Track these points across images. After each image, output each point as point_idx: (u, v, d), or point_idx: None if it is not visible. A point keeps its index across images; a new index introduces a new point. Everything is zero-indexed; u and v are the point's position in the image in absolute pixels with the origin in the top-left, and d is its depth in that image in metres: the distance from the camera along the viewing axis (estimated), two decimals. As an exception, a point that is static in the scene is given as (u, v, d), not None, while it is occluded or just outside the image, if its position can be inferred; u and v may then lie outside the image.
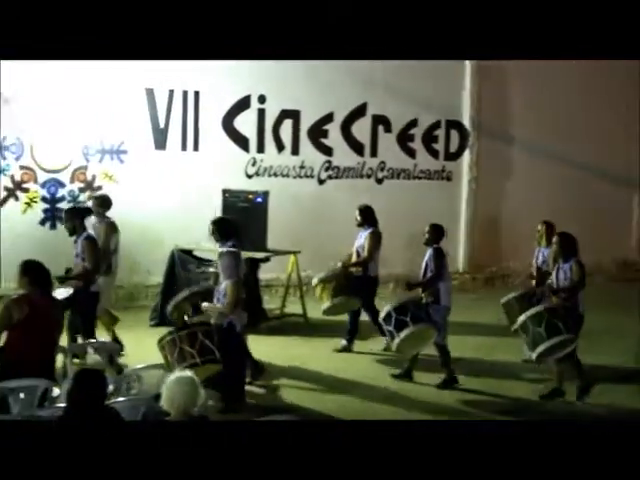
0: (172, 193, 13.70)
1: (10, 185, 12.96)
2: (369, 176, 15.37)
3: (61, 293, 9.36)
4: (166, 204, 13.58)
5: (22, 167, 13.02)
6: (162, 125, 13.77)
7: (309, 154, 14.86)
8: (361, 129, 15.23)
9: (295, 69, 14.28)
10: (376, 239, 11.46)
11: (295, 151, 14.76)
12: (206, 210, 13.27)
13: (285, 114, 14.60)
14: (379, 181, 15.46)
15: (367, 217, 11.58)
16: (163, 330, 12.02)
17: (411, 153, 15.71)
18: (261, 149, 14.50)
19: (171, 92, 13.79)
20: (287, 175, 14.71)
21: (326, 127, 14.94)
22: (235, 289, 8.91)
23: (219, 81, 13.98)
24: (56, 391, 7.13)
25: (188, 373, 5.69)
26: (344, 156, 15.12)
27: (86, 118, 13.17)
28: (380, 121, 15.35)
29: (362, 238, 11.49)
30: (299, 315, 12.94)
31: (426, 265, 10.14)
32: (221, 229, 9.70)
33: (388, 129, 15.43)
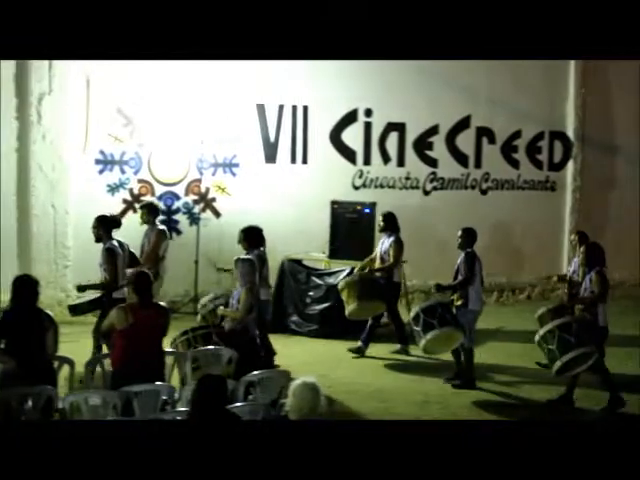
0: (282, 205, 14.11)
1: (129, 198, 13.60)
2: (473, 187, 15.55)
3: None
4: (276, 215, 13.99)
5: (140, 180, 13.66)
6: (272, 139, 14.24)
7: (414, 166, 15.11)
8: (465, 141, 15.41)
9: (401, 83, 14.62)
10: (401, 246, 11.79)
11: (401, 163, 15.04)
12: (315, 221, 13.79)
13: (391, 127, 14.90)
14: (483, 192, 15.62)
15: (390, 223, 11.89)
16: (273, 337, 12.59)
17: (515, 164, 15.81)
18: (368, 161, 14.84)
19: (281, 107, 14.25)
20: (393, 186, 14.99)
21: (431, 139, 15.17)
22: (249, 295, 9.21)
23: (327, 95, 14.36)
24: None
25: (312, 379, 5.78)
26: (449, 167, 15.33)
27: (200, 133, 13.73)
28: (484, 133, 15.50)
29: (386, 244, 11.81)
30: (406, 323, 13.15)
31: (457, 268, 10.34)
32: (248, 237, 10.13)
33: (492, 140, 15.57)
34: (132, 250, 10.82)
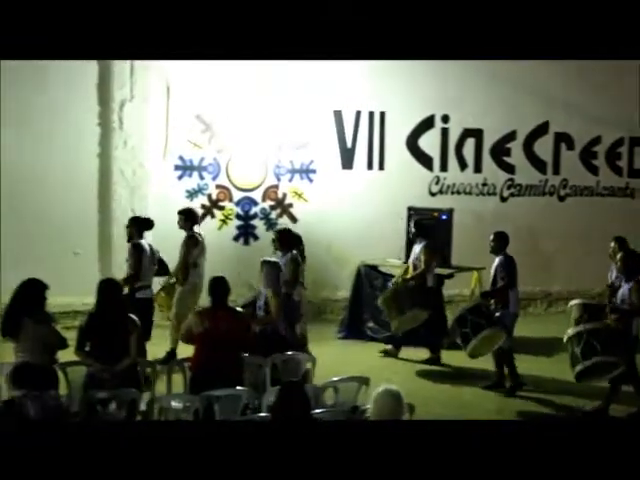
0: (358, 211, 14.14)
1: (207, 203, 13.76)
2: (551, 194, 15.40)
3: None
4: (353, 221, 14.04)
5: (218, 186, 13.80)
6: (349, 145, 14.28)
7: (492, 172, 15.03)
8: (543, 147, 15.27)
9: (478, 89, 14.56)
10: (431, 251, 11.75)
11: (478, 169, 14.97)
12: (391, 227, 13.78)
13: (468, 133, 14.84)
14: (561, 198, 15.45)
15: (421, 230, 11.88)
16: (350, 343, 12.63)
17: (594, 170, 15.62)
18: (444, 167, 14.79)
19: (358, 113, 14.27)
20: (470, 193, 14.93)
21: (509, 145, 15.08)
22: (276, 298, 9.23)
23: (404, 102, 14.36)
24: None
25: (394, 386, 5.76)
26: (526, 174, 15.21)
27: (277, 139, 13.84)
28: (562, 139, 15.34)
29: (417, 251, 11.80)
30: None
31: (495, 273, 10.35)
32: (281, 239, 10.11)
33: (571, 146, 15.41)
34: (163, 258, 11.01)
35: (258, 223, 13.98)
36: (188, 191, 13.65)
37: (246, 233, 13.91)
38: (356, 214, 14.13)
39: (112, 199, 13.23)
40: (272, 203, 14.01)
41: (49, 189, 12.68)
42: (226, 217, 13.85)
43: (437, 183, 14.75)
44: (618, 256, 9.72)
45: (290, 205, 14.05)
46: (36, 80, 12.70)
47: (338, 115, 14.17)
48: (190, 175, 13.65)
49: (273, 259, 9.84)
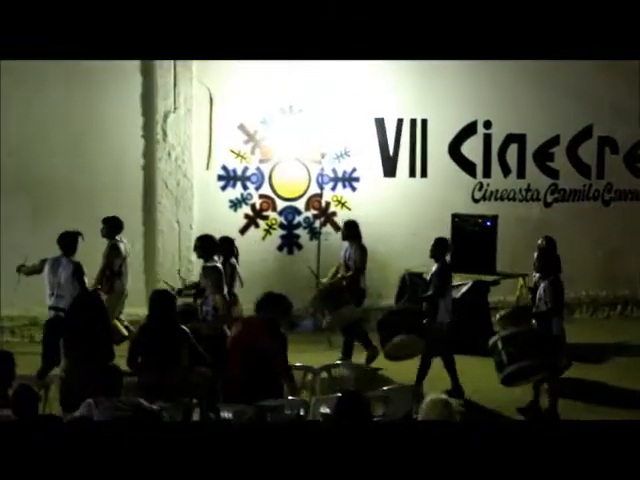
0: (402, 218, 14.11)
1: (251, 213, 13.80)
2: (595, 198, 15.26)
3: None
4: (396, 229, 14.02)
5: (262, 196, 13.84)
6: (391, 153, 14.26)
7: (535, 177, 14.91)
8: (587, 151, 15.14)
9: (520, 93, 14.48)
10: (364, 251, 11.86)
11: (521, 174, 14.87)
12: (435, 234, 13.69)
13: (511, 138, 14.74)
14: (606, 203, 15.31)
15: (351, 230, 11.98)
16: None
17: (638, 174, 15.47)
18: (487, 173, 14.71)
19: (400, 120, 14.25)
20: (513, 199, 14.83)
21: (552, 150, 14.97)
22: (224, 300, 9.27)
23: (446, 108, 14.31)
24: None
25: (443, 395, 5.81)
26: (570, 178, 15.07)
27: (320, 148, 13.86)
28: (606, 142, 15.20)
29: (350, 251, 11.89)
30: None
31: (430, 279, 10.47)
32: (205, 246, 10.06)
33: (615, 150, 15.26)
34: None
35: (302, 232, 13.99)
36: (232, 201, 13.71)
37: (290, 243, 13.93)
38: (399, 222, 14.10)
39: (157, 210, 13.32)
40: (315, 212, 14.02)
41: (95, 202, 12.78)
42: (270, 227, 13.89)
43: (480, 189, 14.68)
44: (535, 255, 9.63)
45: (333, 214, 14.05)
46: (81, 93, 12.87)
47: (380, 123, 14.16)
48: (234, 185, 13.70)
49: (213, 264, 9.79)
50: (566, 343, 9.47)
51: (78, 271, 9.80)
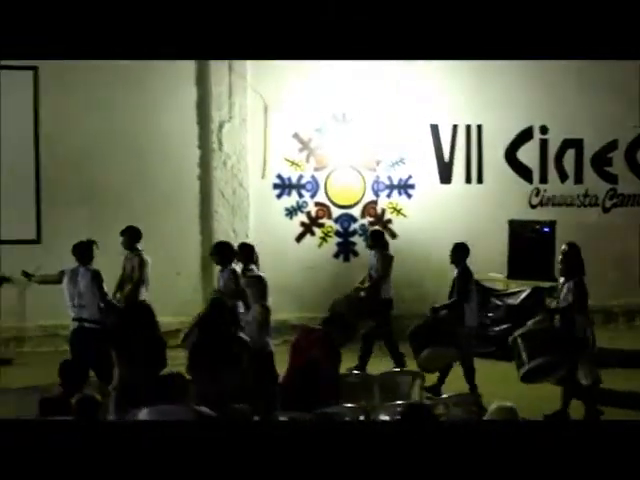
0: (458, 225, 14.00)
1: (306, 221, 13.82)
2: (655, 203, 15.08)
3: None
4: (452, 236, 13.85)
5: (317, 204, 13.86)
6: (447, 159, 14.21)
7: (593, 182, 14.76)
8: (646, 155, 14.98)
9: (576, 98, 14.35)
10: (388, 261, 11.63)
11: (579, 180, 14.72)
12: (491, 241, 13.64)
13: (568, 143, 14.61)
14: (666, 207, 15.11)
15: (377, 240, 11.73)
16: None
17: (698, 178, 15.23)
18: (544, 179, 14.58)
19: (455, 127, 14.20)
20: (571, 204, 14.69)
21: (610, 155, 14.80)
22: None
23: (501, 114, 14.22)
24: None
25: (509, 403, 5.80)
26: (629, 183, 14.88)
27: (375, 155, 13.85)
28: (665, 146, 15.03)
29: (374, 261, 11.70)
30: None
31: (452, 285, 10.34)
32: (222, 252, 10.09)
33: (674, 154, 15.07)
34: None
35: (358, 239, 13.97)
36: (287, 209, 13.74)
37: (346, 250, 13.92)
38: (456, 229, 13.96)
39: (213, 219, 13.39)
40: (371, 219, 13.99)
41: (153, 212, 12.89)
42: (326, 234, 13.90)
43: (537, 195, 14.55)
44: (559, 257, 9.63)
45: (389, 221, 14.02)
46: (137, 104, 13.00)
47: (435, 129, 14.12)
48: (289, 193, 13.74)
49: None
50: (594, 352, 9.33)
51: (96, 278, 9.57)
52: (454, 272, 10.62)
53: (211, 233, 13.36)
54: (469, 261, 10.64)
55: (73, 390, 6.79)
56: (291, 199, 13.75)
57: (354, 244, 13.95)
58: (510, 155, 14.45)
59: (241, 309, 9.85)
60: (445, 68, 13.61)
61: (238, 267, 10.37)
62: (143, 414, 6.30)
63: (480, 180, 14.36)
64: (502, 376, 10.78)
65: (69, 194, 12.81)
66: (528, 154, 14.51)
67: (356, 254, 13.93)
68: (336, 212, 13.92)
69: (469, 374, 10.30)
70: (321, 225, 13.87)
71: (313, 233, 13.83)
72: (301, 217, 13.81)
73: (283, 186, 13.72)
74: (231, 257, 10.28)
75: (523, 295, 12.43)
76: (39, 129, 12.82)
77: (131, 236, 11.21)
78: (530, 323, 9.57)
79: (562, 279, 10.03)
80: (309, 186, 13.79)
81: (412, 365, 10.32)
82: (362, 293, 11.64)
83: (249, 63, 13.21)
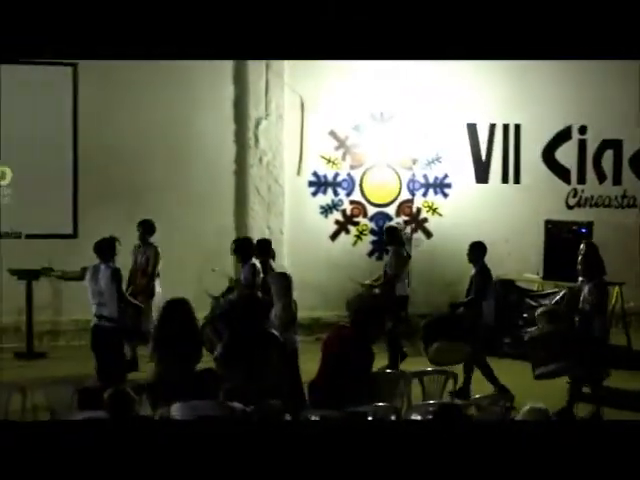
0: (494, 225, 13.93)
1: (341, 219, 13.80)
2: (695, 204, 14.90)
3: None
4: (488, 236, 13.76)
5: (352, 202, 13.84)
6: (484, 159, 14.13)
7: (632, 183, 14.62)
8: (685, 156, 14.80)
9: (616, 98, 14.20)
10: (402, 258, 11.58)
11: (617, 181, 14.59)
12: (527, 241, 13.57)
13: (606, 144, 14.49)
14: None
15: (392, 237, 11.72)
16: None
17: None
18: (582, 180, 14.48)
19: (492, 126, 14.13)
20: (609, 205, 14.56)
21: (649, 155, 14.68)
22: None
23: (540, 113, 14.13)
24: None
25: (541, 404, 5.78)
26: (668, 185, 14.78)
27: (411, 154, 13.80)
28: None
29: (388, 258, 11.71)
30: (623, 347, 12.71)
31: (470, 283, 10.34)
32: (243, 248, 10.24)
33: None
34: None
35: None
36: (322, 207, 13.74)
37: (381, 248, 13.87)
38: (491, 228, 13.90)
39: (248, 216, 13.42)
40: (406, 218, 13.95)
41: (188, 207, 12.96)
42: (360, 233, 13.88)
43: (575, 196, 14.44)
44: (579, 258, 9.62)
45: (425, 220, 13.98)
46: (176, 100, 13.03)
47: (472, 128, 14.05)
48: (324, 191, 13.74)
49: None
50: (609, 349, 9.45)
51: (116, 276, 9.55)
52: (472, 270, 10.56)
53: (246, 229, 13.38)
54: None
55: (110, 384, 6.83)
56: (326, 197, 13.75)
57: (390, 243, 13.90)
58: (548, 155, 14.35)
59: None
60: (481, 66, 13.52)
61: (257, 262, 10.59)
62: (175, 409, 6.32)
63: (517, 180, 14.28)
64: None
65: (106, 190, 12.87)
66: (566, 154, 14.40)
67: (390, 253, 13.88)
68: (371, 210, 13.90)
69: (486, 372, 10.24)
70: (356, 223, 13.86)
71: (348, 231, 13.82)
72: (336, 215, 13.80)
73: (319, 184, 13.72)
74: (251, 252, 10.58)
75: (558, 296, 12.33)
76: (77, 125, 12.91)
77: (145, 229, 11.36)
78: (538, 312, 9.72)
79: (580, 279, 10.08)
80: (345, 184, 13.78)
81: (413, 365, 10.32)
82: (376, 290, 11.58)
83: (286, 61, 13.23)
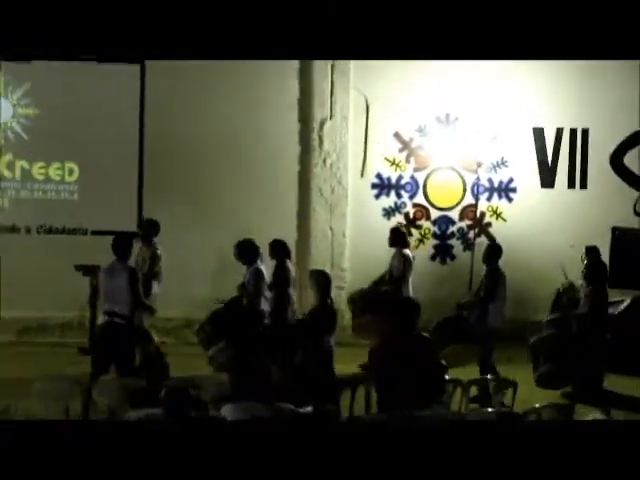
0: (559, 230, 13.76)
1: (404, 222, 13.73)
2: None
3: None
4: (553, 241, 13.68)
5: (415, 205, 13.77)
6: (550, 163, 13.95)
7: None
8: None
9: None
10: (409, 260, 11.45)
11: (688, 188, 14.31)
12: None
13: (678, 149, 14.22)
14: None
15: (398, 239, 11.53)
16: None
17: None
18: (651, 186, 14.22)
19: (559, 130, 13.93)
20: (678, 213, 14.29)
21: None
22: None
23: (608, 118, 13.90)
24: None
25: (600, 414, 5.68)
26: None
27: (476, 157, 13.68)
28: None
29: (395, 260, 11.47)
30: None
31: (480, 285, 10.26)
32: (245, 253, 10.15)
33: None
34: None
35: (455, 243, 13.83)
36: (385, 209, 13.69)
37: (443, 252, 13.79)
38: (556, 234, 13.75)
39: (311, 217, 13.42)
40: (470, 222, 13.83)
41: (251, 207, 13.02)
42: (423, 236, 13.79)
43: (644, 203, 14.18)
44: (584, 264, 9.75)
45: (488, 224, 13.84)
46: (241, 100, 13.10)
47: (538, 132, 13.87)
48: (388, 193, 13.68)
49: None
50: (606, 354, 9.34)
51: (133, 277, 9.30)
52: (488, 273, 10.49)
53: (308, 231, 13.41)
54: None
55: (155, 382, 6.86)
56: (389, 199, 13.70)
57: (452, 247, 13.82)
58: (616, 160, 14.09)
59: (265, 305, 10.21)
60: (547, 67, 13.35)
61: (266, 265, 10.60)
62: (227, 410, 6.32)
63: (583, 185, 14.06)
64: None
65: (170, 189, 12.99)
66: (635, 160, 14.13)
67: (453, 257, 13.80)
68: (434, 214, 13.81)
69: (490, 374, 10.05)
70: (419, 227, 13.78)
71: (410, 234, 13.72)
72: (399, 218, 13.72)
73: (382, 186, 13.67)
74: (255, 255, 10.40)
75: (624, 305, 12.10)
76: (144, 123, 13.04)
77: (148, 229, 11.31)
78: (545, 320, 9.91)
79: (583, 283, 10.02)
80: (408, 187, 13.71)
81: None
82: (384, 288, 11.45)
83: (352, 62, 13.21)
